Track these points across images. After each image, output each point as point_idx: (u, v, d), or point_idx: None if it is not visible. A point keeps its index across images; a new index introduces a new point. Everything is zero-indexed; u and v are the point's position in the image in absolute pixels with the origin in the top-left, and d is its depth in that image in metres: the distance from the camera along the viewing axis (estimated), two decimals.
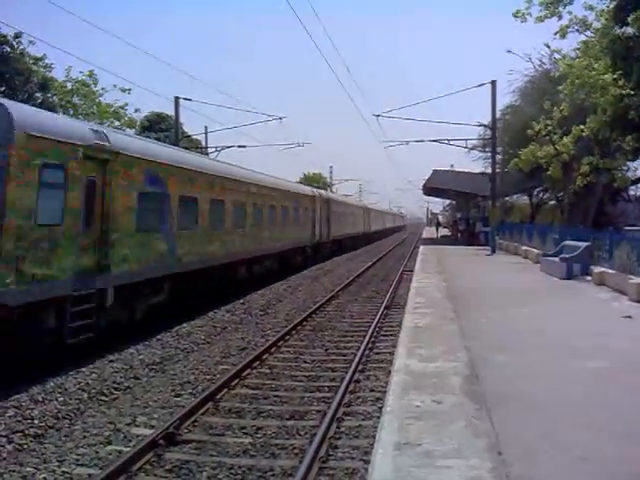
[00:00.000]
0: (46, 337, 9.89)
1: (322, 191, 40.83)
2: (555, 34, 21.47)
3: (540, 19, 20.84)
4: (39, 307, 9.54)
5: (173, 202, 14.39)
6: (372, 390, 8.92)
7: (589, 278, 17.41)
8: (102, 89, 37.19)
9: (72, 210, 10.27)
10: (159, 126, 43.37)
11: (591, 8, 20.41)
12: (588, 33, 21.20)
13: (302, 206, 30.00)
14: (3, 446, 6.83)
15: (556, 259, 19.42)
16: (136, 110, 42.50)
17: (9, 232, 8.80)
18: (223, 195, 17.98)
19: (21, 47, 31.40)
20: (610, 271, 16.21)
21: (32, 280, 9.21)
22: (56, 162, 9.95)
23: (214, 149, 34.86)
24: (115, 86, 37.28)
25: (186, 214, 15.16)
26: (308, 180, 71.74)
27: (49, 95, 32.76)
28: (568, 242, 20.40)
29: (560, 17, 20.73)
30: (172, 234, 14.29)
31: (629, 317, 11.39)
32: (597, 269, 17.09)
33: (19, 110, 9.53)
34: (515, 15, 21.22)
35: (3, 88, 27.97)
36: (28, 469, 6.27)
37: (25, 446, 6.91)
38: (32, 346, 9.55)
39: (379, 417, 6.99)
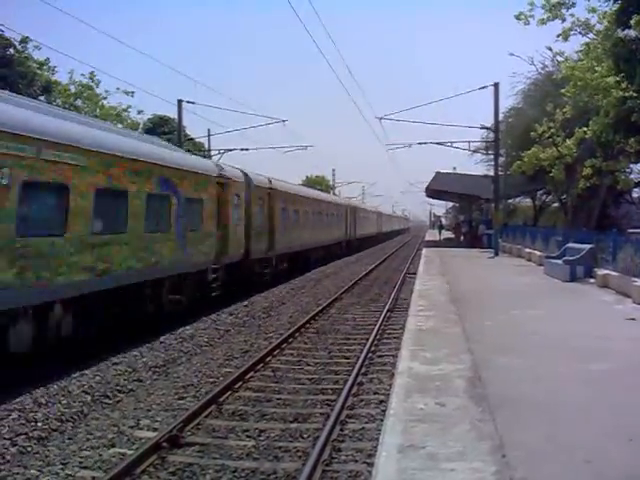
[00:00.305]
0: None
1: (350, 200, 55.80)
2: (558, 37, 21.51)
3: (542, 22, 20.86)
4: None
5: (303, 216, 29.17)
6: (375, 393, 8.91)
7: (592, 280, 17.38)
8: (105, 92, 37.35)
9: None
10: (162, 129, 43.40)
11: (594, 10, 20.42)
12: (591, 35, 21.20)
13: (340, 213, 41.64)
14: (7, 449, 6.83)
15: (559, 261, 19.39)
16: (139, 112, 42.72)
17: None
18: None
19: (26, 51, 31.60)
20: (614, 273, 16.18)
21: None
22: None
23: (217, 152, 34.94)
24: (118, 89, 37.44)
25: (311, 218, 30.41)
26: (311, 182, 71.70)
27: (52, 98, 32.85)
28: (571, 244, 20.37)
29: (563, 20, 20.75)
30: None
31: (633, 319, 11.37)
32: (601, 271, 17.05)
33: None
34: (517, 18, 21.24)
35: (7, 91, 28.03)
36: (32, 472, 6.28)
37: (29, 449, 6.91)
38: None
39: (382, 420, 7.00)
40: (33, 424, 7.59)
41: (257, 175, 22.53)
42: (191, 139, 41.17)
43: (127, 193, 12.33)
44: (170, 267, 14.17)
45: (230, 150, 34.41)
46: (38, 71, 32.38)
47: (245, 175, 20.76)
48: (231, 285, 18.69)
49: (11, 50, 30.73)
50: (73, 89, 36.05)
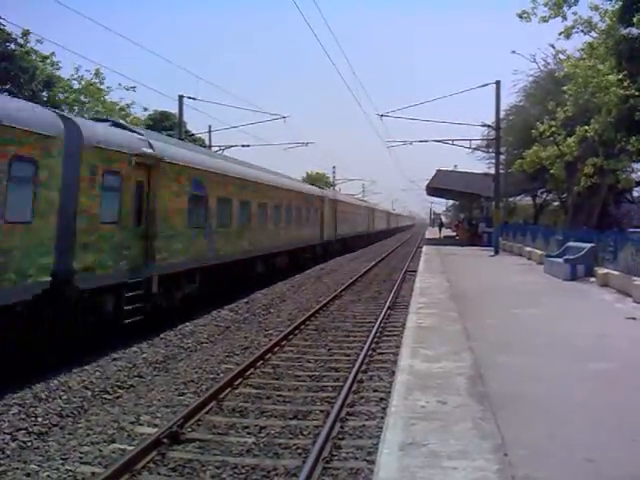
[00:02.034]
0: None
1: (371, 203, 70.37)
2: (560, 34, 21.44)
3: (544, 19, 20.78)
4: None
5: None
6: (375, 390, 8.90)
7: (593, 279, 17.37)
8: (107, 87, 37.26)
9: None
10: (163, 124, 43.31)
11: (596, 8, 20.35)
12: (593, 34, 21.15)
13: (364, 213, 56.19)
14: (7, 444, 6.83)
15: (560, 260, 19.38)
16: (145, 109, 42.76)
17: None
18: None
19: (28, 45, 31.49)
20: (614, 272, 16.17)
21: None
22: None
23: (218, 148, 34.88)
24: (120, 84, 37.34)
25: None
26: (311, 179, 71.59)
27: (54, 94, 32.77)
28: (572, 243, 20.37)
29: (565, 17, 20.69)
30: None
31: (633, 319, 11.36)
32: (601, 270, 17.04)
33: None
34: (520, 16, 21.17)
35: (8, 85, 27.98)
36: (32, 467, 6.27)
37: (29, 444, 6.91)
38: None
39: (383, 417, 7.00)
40: (33, 419, 7.59)
41: (329, 191, 31.88)
42: (192, 135, 41.10)
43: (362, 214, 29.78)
44: None
45: (231, 146, 34.39)
46: (40, 64, 32.28)
47: (321, 191, 34.35)
48: None
49: (12, 45, 30.63)
50: (77, 85, 35.95)
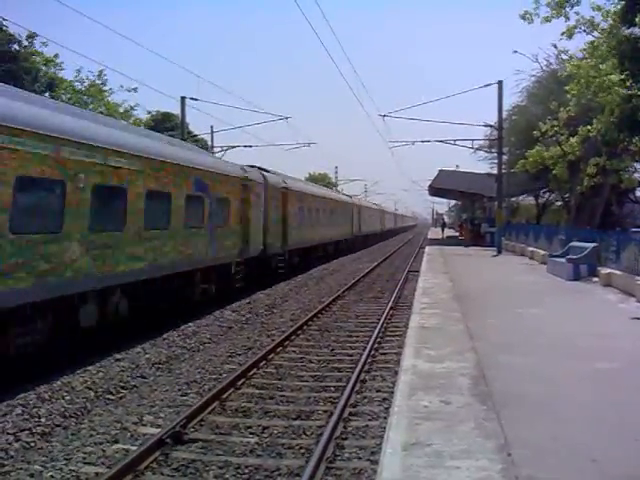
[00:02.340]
0: None
1: (382, 205, 78.78)
2: (562, 34, 21.37)
3: (547, 19, 20.75)
4: None
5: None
6: (378, 390, 8.90)
7: (596, 279, 17.35)
8: (110, 89, 37.38)
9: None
10: (165, 125, 43.40)
11: (599, 9, 20.30)
12: (595, 34, 21.10)
13: (377, 215, 63.91)
14: (10, 444, 6.83)
15: (563, 260, 19.36)
16: (149, 112, 42.95)
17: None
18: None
19: (33, 47, 31.66)
20: (617, 272, 16.14)
21: None
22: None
23: (220, 149, 34.91)
24: (122, 86, 37.43)
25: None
26: (313, 180, 71.63)
27: (57, 95, 32.86)
28: (575, 243, 20.34)
29: (567, 18, 20.65)
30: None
31: (637, 319, 11.34)
32: (604, 270, 17.02)
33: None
34: (523, 17, 21.13)
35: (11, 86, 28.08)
36: (35, 467, 6.28)
37: (32, 444, 6.92)
38: None
39: (386, 417, 6.99)
40: (36, 419, 7.59)
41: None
42: (194, 136, 41.16)
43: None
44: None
45: (233, 147, 34.37)
46: (43, 67, 32.41)
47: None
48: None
49: (16, 46, 30.75)
50: (79, 86, 36.06)
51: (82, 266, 10.37)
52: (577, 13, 20.49)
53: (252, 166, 22.43)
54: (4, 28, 29.44)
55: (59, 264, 9.80)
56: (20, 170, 8.94)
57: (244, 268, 19.38)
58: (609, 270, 16.77)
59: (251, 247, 19.93)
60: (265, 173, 22.88)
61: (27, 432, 7.19)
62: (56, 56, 33.55)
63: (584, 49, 21.80)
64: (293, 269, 26.16)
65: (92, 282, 10.81)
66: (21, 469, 6.24)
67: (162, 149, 14.17)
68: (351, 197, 50.34)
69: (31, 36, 31.32)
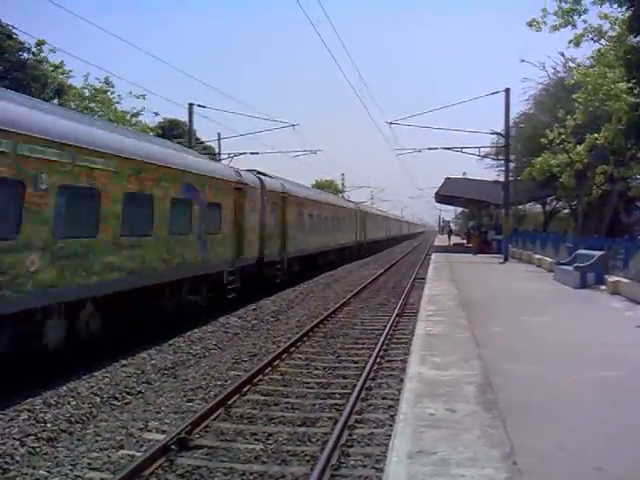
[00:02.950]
0: None
1: (388, 212, 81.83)
2: (569, 42, 21.38)
3: (555, 28, 20.76)
4: None
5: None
6: (384, 398, 8.87)
7: (603, 287, 17.27)
8: (118, 96, 37.62)
9: None
10: (172, 133, 43.61)
11: (606, 17, 20.30)
12: (603, 42, 21.09)
13: (383, 222, 64.44)
14: (16, 449, 6.85)
15: (570, 268, 19.28)
16: (156, 114, 43.09)
17: None
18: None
19: (41, 54, 31.93)
20: (625, 280, 16.07)
21: None
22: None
23: (227, 155, 35.01)
24: (130, 93, 37.65)
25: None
26: (320, 187, 71.73)
27: (65, 102, 33.10)
28: (582, 251, 20.26)
29: (574, 26, 20.65)
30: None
31: None
32: (611, 278, 16.95)
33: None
34: (530, 25, 21.15)
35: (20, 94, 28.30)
36: (41, 472, 6.29)
37: (38, 449, 6.94)
38: None
39: (391, 425, 6.98)
40: (42, 425, 7.61)
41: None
42: (202, 143, 41.31)
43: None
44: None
45: (240, 154, 34.46)
46: (52, 74, 32.65)
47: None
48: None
49: (25, 54, 31.01)
50: (87, 92, 36.31)
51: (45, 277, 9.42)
52: (585, 21, 20.50)
53: (250, 170, 21.38)
54: (14, 36, 29.68)
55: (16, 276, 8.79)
56: None
57: (238, 277, 17.82)
58: (616, 278, 16.70)
59: (246, 255, 18.74)
60: (263, 177, 21.56)
61: (33, 437, 7.22)
62: (62, 63, 33.83)
63: (592, 57, 21.82)
64: (293, 278, 24.64)
65: (58, 295, 9.81)
66: (27, 474, 6.26)
67: (143, 148, 13.00)
68: (356, 204, 49.97)
69: (40, 44, 31.60)
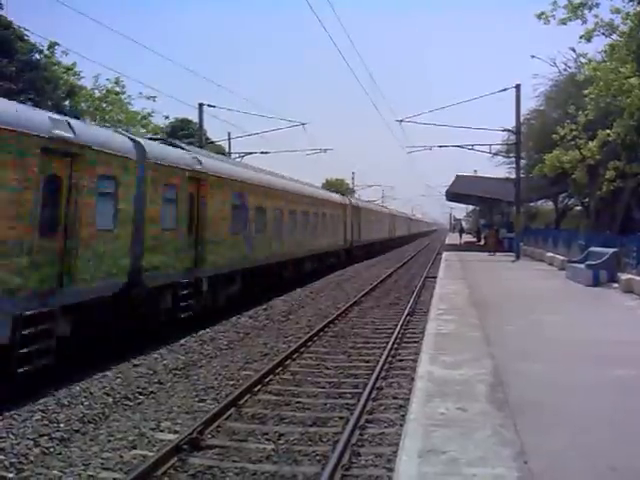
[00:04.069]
0: None
1: (409, 214, 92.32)
2: (581, 38, 21.22)
3: (563, 21, 20.63)
4: None
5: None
6: (395, 397, 8.87)
7: (616, 285, 17.14)
8: (129, 96, 37.85)
9: None
10: (183, 132, 43.79)
11: (617, 11, 20.14)
12: (614, 36, 20.91)
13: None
14: (30, 449, 6.91)
15: (582, 266, 19.16)
16: (166, 117, 43.35)
17: None
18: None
19: (54, 56, 32.22)
20: (638, 278, 15.94)
21: None
22: None
23: (237, 155, 35.09)
24: (141, 94, 37.88)
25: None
26: (330, 186, 71.70)
27: (76, 102, 33.35)
28: (594, 248, 20.11)
29: (584, 21, 20.51)
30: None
31: None
32: (624, 276, 16.81)
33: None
34: (539, 17, 21.01)
35: (32, 95, 28.50)
36: (54, 472, 6.35)
37: (51, 449, 6.99)
38: None
39: (402, 425, 6.95)
40: (56, 425, 7.67)
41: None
42: (212, 142, 41.43)
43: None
44: None
45: (250, 153, 34.53)
46: (64, 75, 32.90)
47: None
48: None
49: (37, 55, 31.27)
50: (97, 93, 36.56)
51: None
52: (596, 16, 20.35)
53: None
54: (26, 38, 29.93)
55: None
56: None
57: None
58: (629, 276, 16.56)
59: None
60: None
61: (46, 437, 7.27)
62: (74, 64, 34.10)
63: (603, 51, 21.63)
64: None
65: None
66: (40, 474, 6.31)
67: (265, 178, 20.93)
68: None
69: (52, 45, 31.88)
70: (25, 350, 8.59)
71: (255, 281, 19.11)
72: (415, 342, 12.45)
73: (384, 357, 11.02)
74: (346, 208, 36.39)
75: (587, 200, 31.71)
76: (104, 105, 36.48)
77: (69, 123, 10.16)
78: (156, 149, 13.44)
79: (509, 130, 33.64)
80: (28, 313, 8.73)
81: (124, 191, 11.53)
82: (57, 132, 9.52)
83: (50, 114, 10.13)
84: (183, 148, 15.63)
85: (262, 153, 35.29)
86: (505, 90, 30.93)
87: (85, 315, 10.38)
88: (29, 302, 8.85)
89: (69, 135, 9.82)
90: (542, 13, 20.84)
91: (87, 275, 10.30)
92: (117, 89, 36.75)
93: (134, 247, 11.86)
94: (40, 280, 9.20)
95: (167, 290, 13.26)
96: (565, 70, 31.83)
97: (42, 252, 9.24)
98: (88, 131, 11.06)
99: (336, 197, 36.29)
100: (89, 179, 10.39)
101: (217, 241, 15.81)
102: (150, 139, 15.59)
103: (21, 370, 8.56)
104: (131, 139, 12.46)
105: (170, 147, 14.79)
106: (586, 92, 21.66)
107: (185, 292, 13.80)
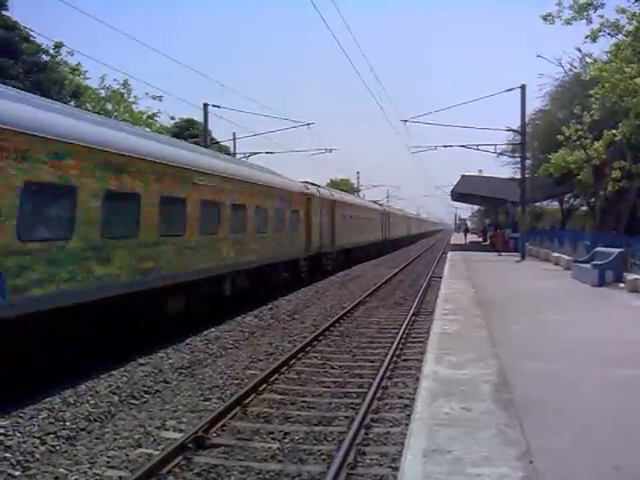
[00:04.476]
0: None
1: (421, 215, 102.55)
2: (586, 38, 21.18)
3: (568, 21, 20.59)
4: None
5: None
6: (400, 397, 8.87)
7: (622, 285, 17.09)
8: (134, 97, 37.96)
9: None
10: (188, 132, 43.85)
11: (623, 11, 20.08)
12: (620, 36, 20.85)
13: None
14: (37, 447, 6.95)
15: (588, 266, 19.10)
16: (172, 118, 43.44)
17: None
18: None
19: (60, 57, 32.34)
20: None
21: None
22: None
23: (242, 155, 35.13)
24: (147, 94, 38.00)
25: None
26: (334, 186, 71.75)
27: (82, 103, 33.45)
28: (600, 248, 20.06)
29: (590, 21, 20.46)
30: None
31: None
32: (630, 276, 16.77)
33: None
34: (545, 19, 20.99)
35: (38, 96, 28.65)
36: (60, 470, 6.37)
37: (57, 448, 7.03)
38: None
39: (407, 424, 6.96)
40: (62, 423, 7.71)
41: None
42: (217, 142, 41.48)
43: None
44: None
45: (255, 153, 34.56)
46: (70, 76, 33.03)
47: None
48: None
49: (43, 56, 31.39)
50: (103, 93, 36.70)
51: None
52: (601, 16, 20.31)
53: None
54: (31, 39, 30.04)
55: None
56: None
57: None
58: (635, 276, 16.52)
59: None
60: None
61: (52, 436, 7.31)
62: (79, 65, 34.27)
63: (609, 51, 21.58)
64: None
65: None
66: (46, 472, 6.34)
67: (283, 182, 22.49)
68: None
69: (58, 46, 32.00)
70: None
71: (347, 255, 34.56)
72: (420, 342, 12.45)
73: (389, 357, 11.03)
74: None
75: (593, 200, 31.61)
76: (109, 106, 36.61)
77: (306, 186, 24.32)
78: (321, 190, 28.37)
79: (514, 130, 33.58)
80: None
81: (316, 211, 26.06)
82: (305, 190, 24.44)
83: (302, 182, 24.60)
84: (322, 187, 29.31)
85: (267, 153, 35.34)
86: (510, 90, 30.88)
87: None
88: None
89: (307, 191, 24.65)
90: (548, 14, 20.82)
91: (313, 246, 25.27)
92: (122, 91, 36.88)
93: (320, 236, 26.43)
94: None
95: (326, 255, 28.45)
96: (571, 70, 31.79)
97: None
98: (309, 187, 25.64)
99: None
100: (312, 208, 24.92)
101: (338, 233, 30.48)
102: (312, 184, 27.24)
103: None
104: (316, 187, 27.35)
105: (322, 188, 28.69)
106: (592, 92, 21.63)
107: (329, 257, 28.95)
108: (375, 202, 54.88)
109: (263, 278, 19.67)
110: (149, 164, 12.16)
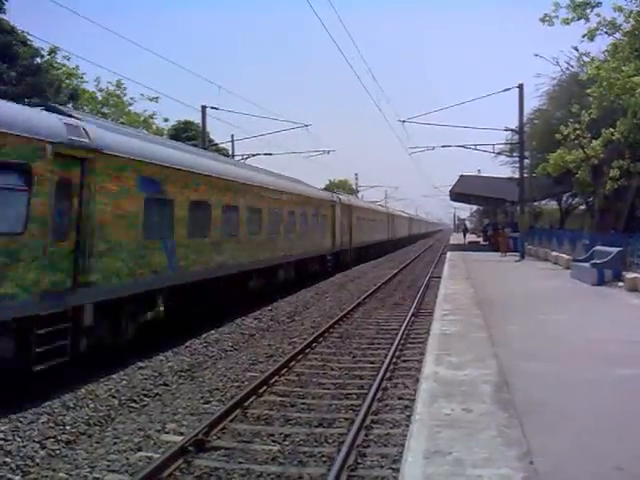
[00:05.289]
0: None
1: (420, 216, 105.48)
2: (583, 37, 21.18)
3: (566, 21, 20.60)
4: None
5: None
6: (400, 398, 8.86)
7: (621, 284, 17.10)
8: (131, 98, 37.96)
9: None
10: (186, 134, 43.83)
11: (620, 9, 20.09)
12: (617, 35, 20.86)
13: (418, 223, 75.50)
14: (36, 452, 6.94)
15: (587, 265, 19.11)
16: (165, 120, 43.39)
17: None
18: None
19: (55, 60, 32.36)
20: None
21: None
22: None
23: (241, 157, 35.13)
24: (142, 95, 37.99)
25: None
26: (333, 187, 71.75)
27: (79, 105, 33.44)
28: (599, 247, 20.07)
29: (587, 19, 20.47)
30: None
31: None
32: (629, 275, 16.78)
33: None
34: (542, 20, 21.01)
35: (34, 99, 28.59)
36: (60, 475, 6.37)
37: (57, 452, 7.02)
38: None
39: (407, 425, 6.95)
40: (62, 427, 7.70)
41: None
42: (215, 144, 41.47)
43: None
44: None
45: (254, 155, 34.56)
46: (67, 81, 33.04)
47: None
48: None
49: (38, 59, 31.38)
50: (99, 96, 36.70)
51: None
52: (598, 15, 20.32)
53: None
54: (29, 43, 30.01)
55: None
56: None
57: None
58: (634, 274, 16.53)
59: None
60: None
61: (52, 440, 7.30)
62: (77, 68, 34.28)
63: (606, 51, 21.59)
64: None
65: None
66: (46, 476, 6.34)
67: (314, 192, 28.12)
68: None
69: (53, 50, 32.03)
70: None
71: (366, 252, 40.61)
72: (420, 343, 12.44)
73: (389, 358, 11.02)
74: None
75: (591, 199, 31.63)
76: (105, 109, 36.60)
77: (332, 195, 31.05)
78: (342, 198, 33.35)
79: (512, 130, 33.60)
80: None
81: (337, 215, 30.65)
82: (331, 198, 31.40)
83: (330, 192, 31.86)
84: (342, 194, 35.24)
85: (265, 155, 35.35)
86: (508, 90, 30.92)
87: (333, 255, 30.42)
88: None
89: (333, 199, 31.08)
90: (545, 16, 20.84)
91: (336, 244, 30.62)
92: (118, 92, 36.89)
93: (341, 236, 31.01)
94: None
95: (344, 252, 33.02)
96: (568, 69, 31.75)
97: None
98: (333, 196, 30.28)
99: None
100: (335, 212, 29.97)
101: (354, 234, 35.65)
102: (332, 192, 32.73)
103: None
104: (337, 196, 31.60)
105: (342, 196, 32.90)
106: (589, 91, 21.62)
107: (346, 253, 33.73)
108: (381, 205, 59.75)
109: (303, 269, 25.02)
110: (219, 180, 15.68)
